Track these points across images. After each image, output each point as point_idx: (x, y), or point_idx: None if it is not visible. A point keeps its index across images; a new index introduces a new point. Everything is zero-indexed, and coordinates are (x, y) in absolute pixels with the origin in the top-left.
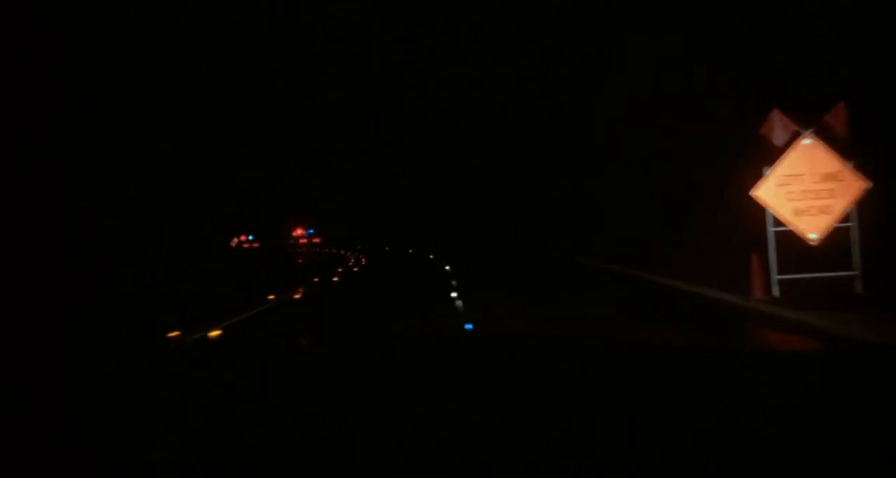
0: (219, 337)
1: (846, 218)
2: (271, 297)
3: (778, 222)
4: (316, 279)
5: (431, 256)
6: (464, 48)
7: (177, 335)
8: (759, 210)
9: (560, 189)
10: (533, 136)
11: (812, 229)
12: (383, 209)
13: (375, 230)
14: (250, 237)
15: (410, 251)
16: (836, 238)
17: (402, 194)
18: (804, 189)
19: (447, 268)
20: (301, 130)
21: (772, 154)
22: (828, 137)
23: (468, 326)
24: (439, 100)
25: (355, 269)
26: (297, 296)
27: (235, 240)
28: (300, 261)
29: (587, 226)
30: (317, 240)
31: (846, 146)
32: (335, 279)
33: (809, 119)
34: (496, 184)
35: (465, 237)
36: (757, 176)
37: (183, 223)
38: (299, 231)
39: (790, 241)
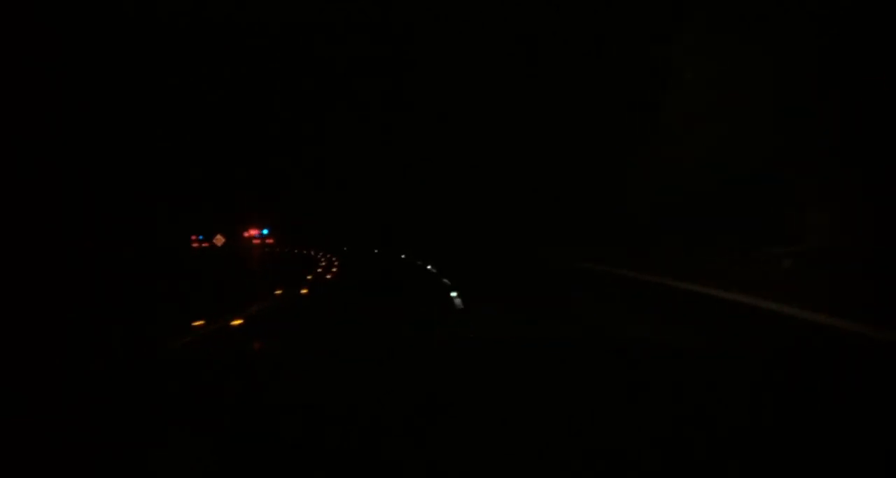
0: None
1: None
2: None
3: None
4: (211, 320)
5: (429, 267)
6: (461, 46)
7: None
8: None
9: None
10: (533, 132)
11: None
12: (378, 210)
13: (366, 231)
14: (200, 237)
15: (403, 256)
16: None
17: (398, 195)
18: None
19: (446, 281)
20: (293, 130)
21: None
22: None
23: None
24: (437, 98)
25: (303, 291)
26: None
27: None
28: (254, 266)
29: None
30: (270, 241)
31: None
32: (254, 311)
33: None
34: (495, 185)
35: (463, 239)
36: None
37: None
38: (253, 231)
39: None
